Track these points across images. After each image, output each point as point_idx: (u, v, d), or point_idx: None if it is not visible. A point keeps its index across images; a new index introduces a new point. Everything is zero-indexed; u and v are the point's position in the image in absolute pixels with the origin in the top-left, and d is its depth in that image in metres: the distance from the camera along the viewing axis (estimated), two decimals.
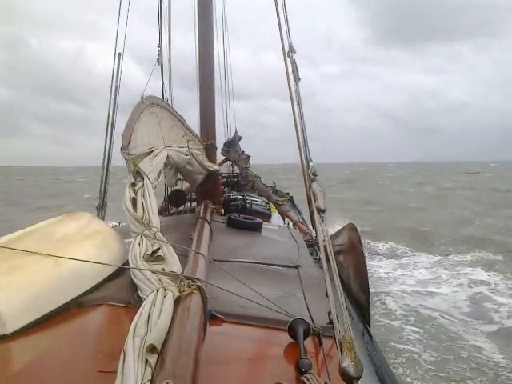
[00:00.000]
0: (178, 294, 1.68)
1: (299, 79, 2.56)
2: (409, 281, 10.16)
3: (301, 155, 2.47)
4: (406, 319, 7.48)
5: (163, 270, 1.99)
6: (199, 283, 1.77)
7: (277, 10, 2.71)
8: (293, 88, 2.62)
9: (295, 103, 2.58)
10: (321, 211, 2.08)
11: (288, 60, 2.71)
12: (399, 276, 10.58)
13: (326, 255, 1.91)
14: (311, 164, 2.34)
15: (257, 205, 6.52)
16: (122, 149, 2.84)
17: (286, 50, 2.63)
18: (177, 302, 1.63)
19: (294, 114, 2.55)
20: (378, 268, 11.78)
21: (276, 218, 6.70)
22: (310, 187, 2.20)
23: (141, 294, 1.89)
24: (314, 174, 2.26)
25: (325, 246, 1.94)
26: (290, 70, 2.63)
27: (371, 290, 3.08)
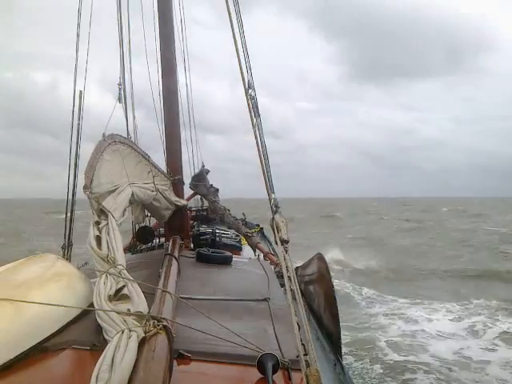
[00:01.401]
0: (144, 334, 1.65)
1: (259, 115, 2.63)
2: None
3: (267, 188, 2.51)
4: None
5: (128, 310, 1.95)
6: (165, 323, 1.74)
7: (236, 49, 2.78)
8: (254, 122, 2.68)
9: (258, 137, 2.64)
10: (284, 242, 2.10)
11: (249, 96, 2.78)
12: None
13: (292, 286, 1.91)
14: (273, 196, 2.37)
15: (227, 238, 6.50)
16: (85, 188, 2.82)
17: (246, 86, 2.70)
18: (142, 343, 1.60)
19: (257, 147, 2.60)
20: None
21: (247, 250, 6.69)
22: (272, 219, 2.22)
23: (106, 336, 1.85)
24: (277, 206, 2.30)
25: (290, 277, 1.95)
26: (250, 105, 2.70)
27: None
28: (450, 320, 10.16)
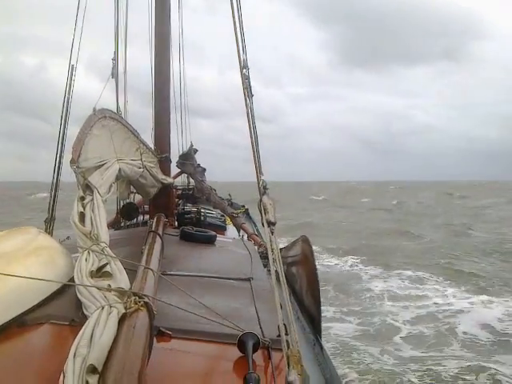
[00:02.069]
0: (124, 310, 1.64)
1: (252, 95, 2.61)
2: None
3: (256, 169, 2.50)
4: None
5: (109, 285, 1.94)
6: (146, 299, 1.73)
7: (234, 26, 2.74)
8: (247, 102, 2.66)
9: (250, 117, 2.62)
10: (271, 224, 2.10)
11: (243, 76, 2.75)
12: None
13: (276, 268, 1.92)
14: (262, 177, 2.36)
15: (211, 217, 6.50)
16: (72, 162, 2.78)
17: (241, 65, 2.67)
18: (122, 319, 1.59)
19: (249, 127, 2.58)
20: None
21: (231, 230, 6.70)
22: (260, 200, 2.22)
23: (85, 312, 1.83)
24: (265, 188, 2.29)
25: (274, 259, 1.95)
26: (244, 85, 2.67)
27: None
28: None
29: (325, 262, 14.41)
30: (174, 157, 6.27)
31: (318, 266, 3.23)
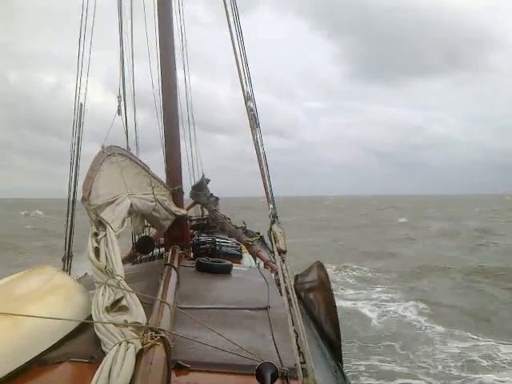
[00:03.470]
0: (141, 346, 1.65)
1: (258, 125, 2.62)
2: None
3: (268, 198, 2.51)
4: None
5: (126, 321, 1.95)
6: (163, 334, 1.74)
7: (236, 61, 2.77)
8: (255, 135, 2.67)
9: (259, 149, 2.62)
10: (282, 252, 2.10)
11: (248, 108, 2.76)
12: None
13: (289, 296, 1.92)
14: (271, 206, 2.38)
15: (227, 246, 6.49)
16: (83, 200, 2.83)
17: (245, 98, 2.69)
18: (139, 355, 1.60)
19: (258, 159, 2.59)
20: None
21: (247, 258, 6.67)
22: (270, 229, 2.23)
23: (104, 349, 1.85)
24: (274, 216, 2.30)
25: (287, 287, 1.95)
26: (250, 117, 2.68)
27: None
28: None
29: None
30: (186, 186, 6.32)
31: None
